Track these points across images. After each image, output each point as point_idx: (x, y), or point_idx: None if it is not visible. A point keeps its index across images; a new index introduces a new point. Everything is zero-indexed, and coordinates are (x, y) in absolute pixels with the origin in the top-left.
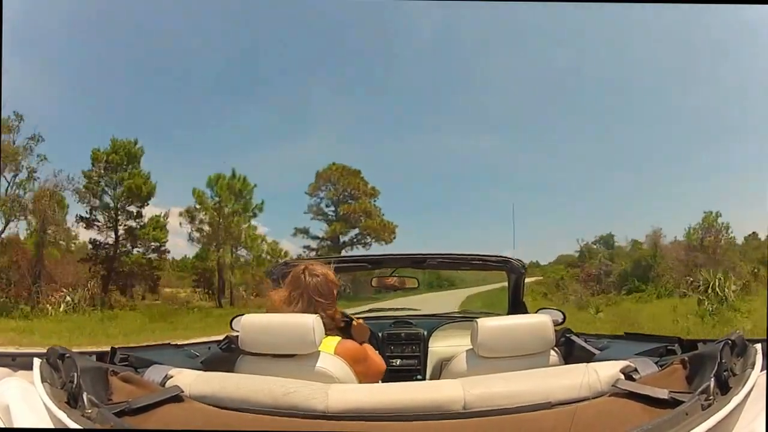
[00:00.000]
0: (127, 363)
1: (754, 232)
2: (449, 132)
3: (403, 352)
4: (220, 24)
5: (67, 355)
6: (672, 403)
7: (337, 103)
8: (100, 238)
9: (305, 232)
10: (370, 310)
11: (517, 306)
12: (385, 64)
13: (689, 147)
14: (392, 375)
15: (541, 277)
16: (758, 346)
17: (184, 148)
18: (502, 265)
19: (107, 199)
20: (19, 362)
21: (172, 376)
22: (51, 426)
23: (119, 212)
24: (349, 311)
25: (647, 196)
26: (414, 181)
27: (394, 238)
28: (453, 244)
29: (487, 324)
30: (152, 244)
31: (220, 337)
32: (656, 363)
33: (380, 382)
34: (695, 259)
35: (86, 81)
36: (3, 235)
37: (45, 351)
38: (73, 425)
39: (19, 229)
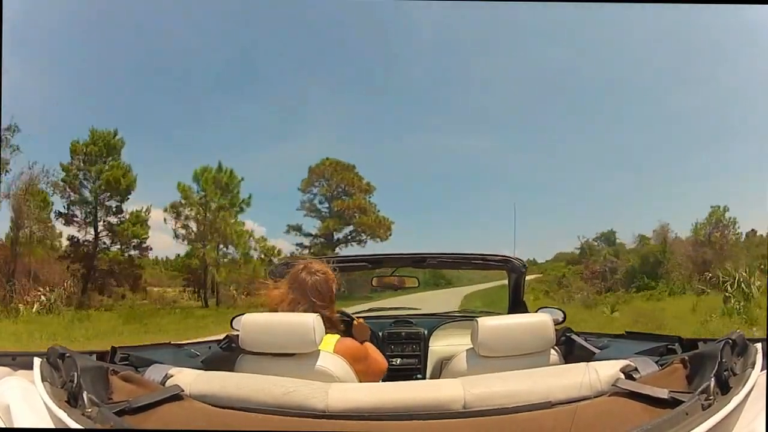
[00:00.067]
0: (127, 362)
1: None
2: (448, 132)
3: (403, 351)
4: (219, 23)
5: (68, 354)
6: (672, 403)
7: (335, 102)
8: (79, 234)
9: (298, 229)
10: (370, 310)
11: (517, 305)
12: (385, 63)
13: (689, 147)
14: (392, 374)
15: (541, 275)
16: (758, 345)
17: (183, 147)
18: (502, 265)
19: (86, 193)
20: (19, 362)
21: (172, 376)
22: (51, 425)
23: (99, 207)
24: (349, 311)
25: (646, 195)
26: (413, 181)
27: (390, 235)
28: (451, 244)
29: (487, 323)
30: (133, 240)
31: (220, 337)
32: (656, 362)
33: (381, 381)
34: (704, 255)
35: (85, 80)
36: None
37: (45, 351)
38: (73, 425)
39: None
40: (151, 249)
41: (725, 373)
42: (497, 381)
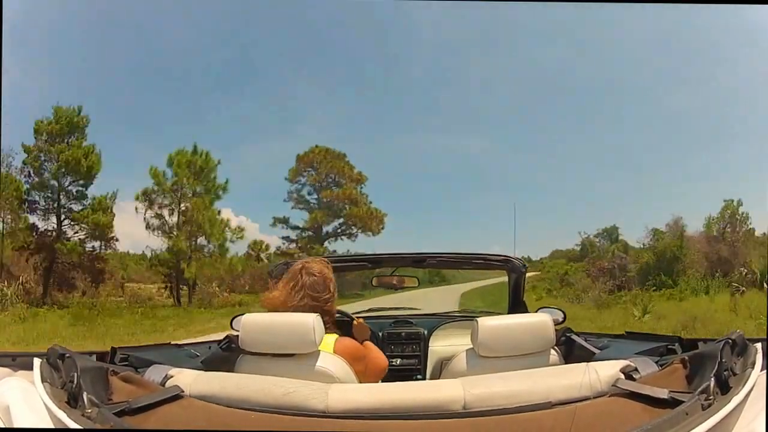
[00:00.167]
0: (127, 363)
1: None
2: (447, 131)
3: (403, 351)
4: (218, 22)
5: (68, 355)
6: (672, 403)
7: (334, 102)
8: (41, 223)
9: (285, 221)
10: (370, 310)
11: (517, 305)
12: (384, 63)
13: (688, 147)
14: (392, 374)
15: (539, 273)
16: (758, 345)
17: (179, 143)
18: (503, 265)
19: (49, 177)
20: (19, 362)
21: (172, 376)
22: (51, 426)
23: (61, 192)
24: (349, 311)
25: (646, 195)
26: (413, 181)
27: (383, 228)
28: (451, 244)
29: (487, 323)
30: (96, 230)
31: (220, 337)
32: (656, 362)
33: (380, 381)
34: (719, 251)
35: (85, 80)
36: None
37: (45, 351)
38: (73, 425)
39: None
40: (117, 240)
41: (725, 373)
42: (497, 381)
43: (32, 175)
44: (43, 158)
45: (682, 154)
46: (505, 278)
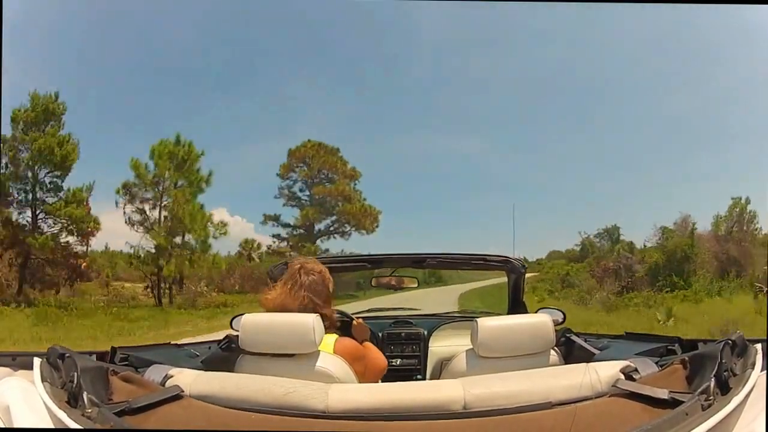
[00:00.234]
0: (127, 363)
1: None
2: (447, 132)
3: (403, 351)
4: (217, 21)
5: (68, 354)
6: (672, 403)
7: (333, 101)
8: (17, 216)
9: (275, 219)
10: (369, 310)
11: (517, 305)
12: (383, 64)
13: (688, 147)
14: (392, 375)
15: (537, 274)
16: (758, 346)
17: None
18: (502, 265)
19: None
20: (19, 362)
21: (172, 376)
22: (51, 426)
23: (37, 184)
24: (349, 311)
25: (645, 195)
26: (412, 181)
27: (377, 226)
28: (449, 244)
29: (487, 324)
30: (70, 224)
31: (220, 337)
32: (656, 363)
33: (380, 381)
34: (728, 251)
35: (85, 80)
36: None
37: (45, 351)
38: (73, 425)
39: None
40: (94, 235)
41: (725, 373)
42: (497, 381)
43: (8, 165)
44: (19, 148)
45: (682, 153)
46: (503, 280)
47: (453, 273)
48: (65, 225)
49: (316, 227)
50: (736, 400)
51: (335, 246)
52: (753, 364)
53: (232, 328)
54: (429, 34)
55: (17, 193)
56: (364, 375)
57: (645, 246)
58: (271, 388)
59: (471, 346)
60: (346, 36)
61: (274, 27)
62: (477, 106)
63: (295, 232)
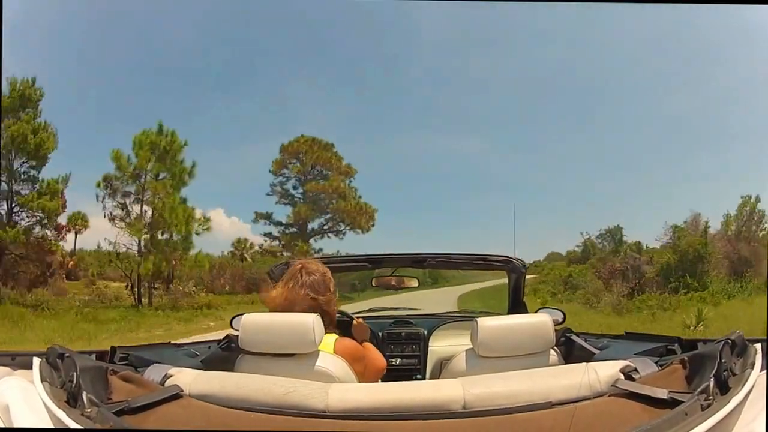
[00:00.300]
0: (126, 362)
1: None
2: (447, 132)
3: (403, 351)
4: (217, 21)
5: (67, 354)
6: (671, 403)
7: (333, 101)
8: None
9: (267, 217)
10: (370, 310)
11: (517, 306)
12: (383, 64)
13: (688, 147)
14: (392, 374)
15: (537, 275)
16: (758, 346)
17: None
18: (503, 265)
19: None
20: (18, 361)
21: (171, 375)
22: (51, 425)
23: (14, 175)
24: (349, 311)
25: (645, 195)
26: (410, 181)
27: (373, 225)
28: (449, 244)
29: (487, 323)
30: (43, 217)
31: (220, 337)
32: (656, 363)
33: (380, 381)
34: (740, 250)
35: (84, 80)
36: None
37: (45, 351)
38: (72, 425)
39: None
40: (69, 230)
41: (725, 373)
42: (497, 381)
43: None
44: None
45: (682, 153)
46: (502, 281)
47: (451, 275)
48: (39, 218)
49: (310, 226)
50: (735, 400)
51: (329, 245)
52: (752, 364)
53: (232, 327)
54: (429, 34)
55: None
56: (364, 375)
57: (648, 246)
58: (270, 387)
59: (471, 346)
60: (346, 36)
61: (274, 27)
62: (477, 106)
63: (287, 231)
